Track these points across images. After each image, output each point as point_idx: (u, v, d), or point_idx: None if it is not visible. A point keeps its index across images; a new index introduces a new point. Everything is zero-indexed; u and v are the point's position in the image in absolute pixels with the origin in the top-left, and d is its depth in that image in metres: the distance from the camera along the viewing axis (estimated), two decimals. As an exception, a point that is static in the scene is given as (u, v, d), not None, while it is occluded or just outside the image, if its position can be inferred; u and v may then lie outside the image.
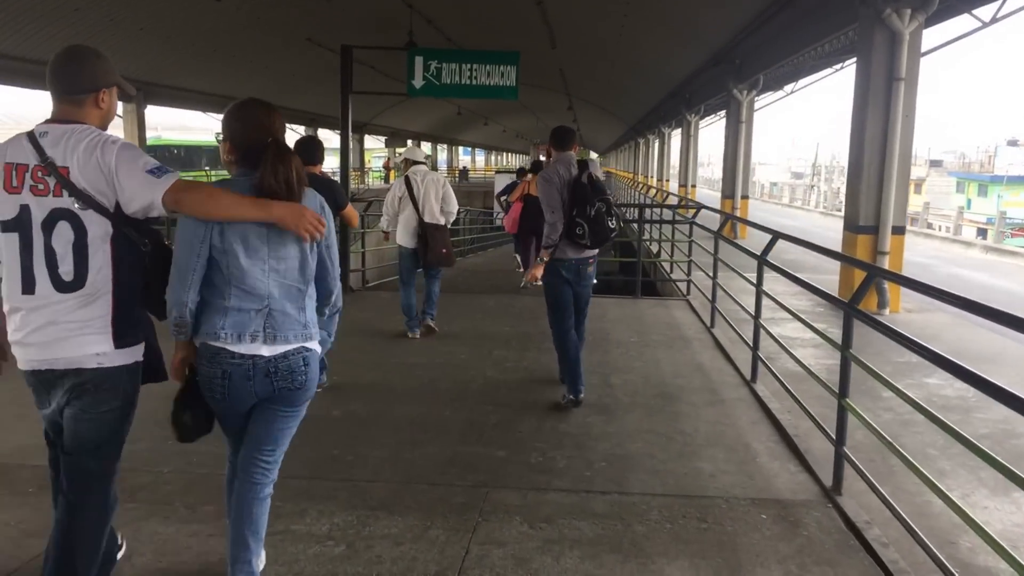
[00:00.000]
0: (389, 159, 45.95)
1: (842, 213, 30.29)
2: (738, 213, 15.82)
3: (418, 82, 9.16)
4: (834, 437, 3.97)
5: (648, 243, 12.84)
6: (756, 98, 16.51)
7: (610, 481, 4.06)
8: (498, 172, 42.91)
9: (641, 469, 4.23)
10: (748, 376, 5.94)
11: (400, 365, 6.20)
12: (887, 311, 8.67)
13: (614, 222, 5.10)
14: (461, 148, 71.42)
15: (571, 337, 5.38)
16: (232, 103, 2.57)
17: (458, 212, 7.67)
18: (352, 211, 5.78)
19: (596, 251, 5.29)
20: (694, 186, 23.35)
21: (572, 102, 34.75)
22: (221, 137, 2.65)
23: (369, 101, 34.39)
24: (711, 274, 8.13)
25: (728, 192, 16.41)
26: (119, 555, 2.98)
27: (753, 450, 4.54)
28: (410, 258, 7.13)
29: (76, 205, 2.32)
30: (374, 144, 47.14)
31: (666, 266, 11.12)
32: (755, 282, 6.01)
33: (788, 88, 17.32)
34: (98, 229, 2.36)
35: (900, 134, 8.56)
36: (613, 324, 7.95)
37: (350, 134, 9.39)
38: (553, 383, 5.77)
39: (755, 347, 5.87)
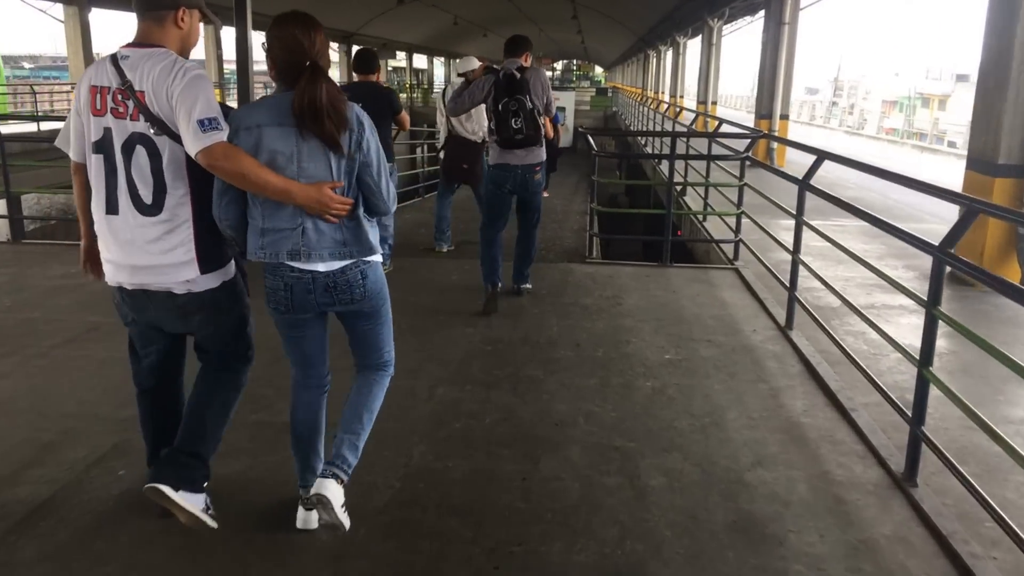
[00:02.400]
0: (378, 73, 42.06)
1: (867, 132, 27.08)
2: (777, 135, 12.74)
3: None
4: None
5: (672, 187, 9.89)
6: (801, -6, 13.16)
7: None
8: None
9: None
10: (899, 469, 3.12)
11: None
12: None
13: (519, 123, 4.90)
14: (461, 62, 66.96)
15: (496, 242, 5.37)
16: (274, 18, 2.35)
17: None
18: (405, 116, 5.75)
19: (539, 158, 5.16)
20: (714, 103, 20.06)
21: (577, 10, 31.00)
22: (265, 49, 2.38)
23: (354, 7, 30.63)
24: (785, 244, 5.27)
25: (765, 111, 13.22)
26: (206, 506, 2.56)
27: None
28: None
29: (152, 131, 2.28)
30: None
31: (712, 227, 8.10)
32: (924, 299, 3.07)
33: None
34: (174, 156, 2.31)
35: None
36: (635, 319, 5.10)
37: (249, 29, 6.37)
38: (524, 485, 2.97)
39: (918, 420, 3.02)
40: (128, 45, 2.34)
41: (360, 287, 2.45)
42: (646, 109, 19.67)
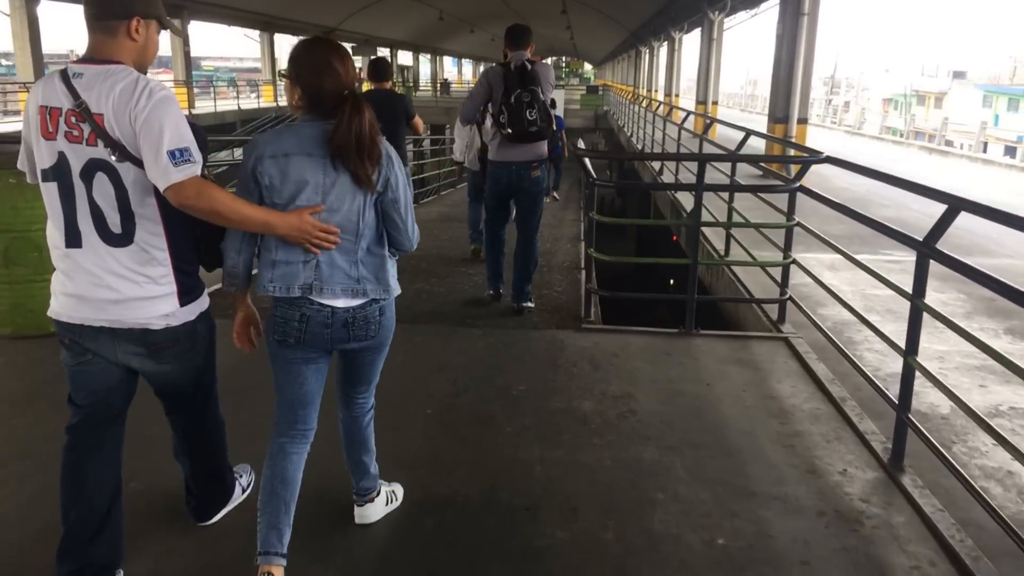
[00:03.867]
0: (360, 70, 40.12)
1: (868, 132, 25.23)
2: (794, 141, 11.01)
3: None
4: None
5: (700, 227, 8.15)
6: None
7: None
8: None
9: None
10: None
11: None
12: None
13: (534, 114, 4.70)
14: (449, 59, 65.06)
15: (500, 238, 5.30)
16: (301, 43, 2.21)
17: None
18: (419, 121, 5.97)
19: (539, 153, 4.92)
20: (715, 103, 18.30)
21: (566, 5, 29.18)
22: (285, 77, 2.21)
23: (334, 1, 28.66)
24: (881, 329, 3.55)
25: (780, 113, 11.45)
26: (245, 485, 2.81)
27: None
28: (478, 178, 6.74)
29: (113, 157, 2.03)
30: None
31: (737, 269, 6.07)
32: None
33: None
34: (138, 183, 2.06)
35: None
36: (659, 446, 3.30)
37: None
38: None
39: None
40: (79, 61, 2.08)
41: (376, 324, 2.32)
42: (640, 108, 17.83)
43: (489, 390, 3.93)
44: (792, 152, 7.97)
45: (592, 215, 4.88)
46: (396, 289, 2.34)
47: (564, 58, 79.95)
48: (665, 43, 25.82)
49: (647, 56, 31.07)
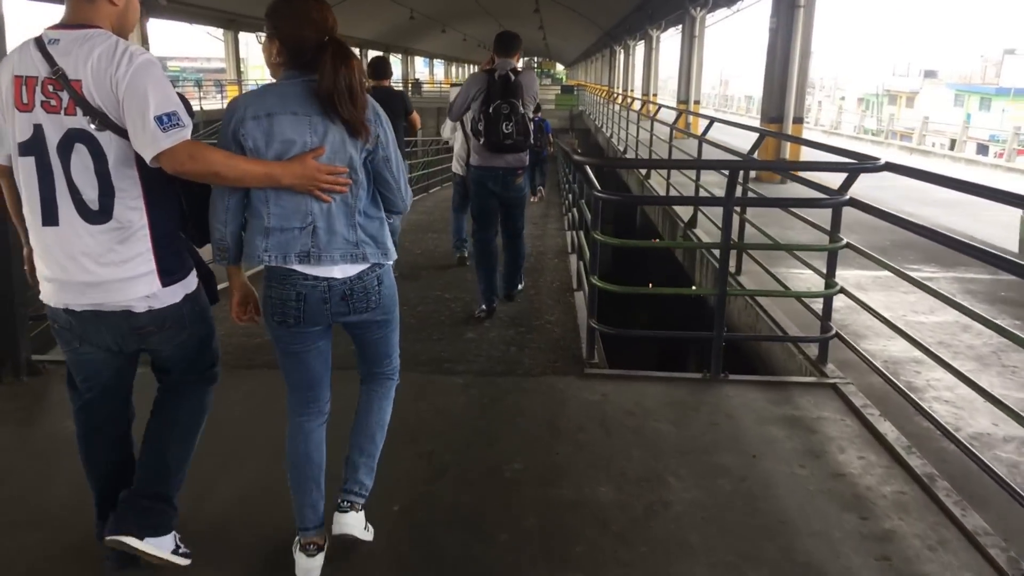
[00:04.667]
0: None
1: (845, 132, 24.62)
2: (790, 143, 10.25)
3: None
4: None
5: (728, 252, 7.25)
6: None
7: None
8: (453, 85, 35.99)
9: None
10: None
11: None
12: None
13: (510, 127, 4.62)
14: (421, 59, 64.00)
15: (491, 249, 5.14)
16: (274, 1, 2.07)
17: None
18: (417, 116, 6.14)
19: (523, 161, 4.90)
20: (697, 102, 17.52)
21: (539, 3, 28.32)
22: (265, 37, 2.10)
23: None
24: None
25: (774, 112, 10.62)
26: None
27: None
28: (462, 185, 6.51)
29: (92, 125, 1.89)
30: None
31: (766, 302, 4.98)
32: None
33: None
34: (120, 153, 1.93)
35: None
36: (707, 560, 2.43)
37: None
38: None
39: None
40: (56, 27, 1.94)
41: (376, 294, 2.21)
42: (621, 108, 16.97)
43: (475, 470, 3.02)
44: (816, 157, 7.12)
45: (596, 236, 3.97)
46: (394, 254, 2.24)
47: (536, 58, 79.23)
48: (642, 42, 25.03)
49: (622, 55, 30.29)
